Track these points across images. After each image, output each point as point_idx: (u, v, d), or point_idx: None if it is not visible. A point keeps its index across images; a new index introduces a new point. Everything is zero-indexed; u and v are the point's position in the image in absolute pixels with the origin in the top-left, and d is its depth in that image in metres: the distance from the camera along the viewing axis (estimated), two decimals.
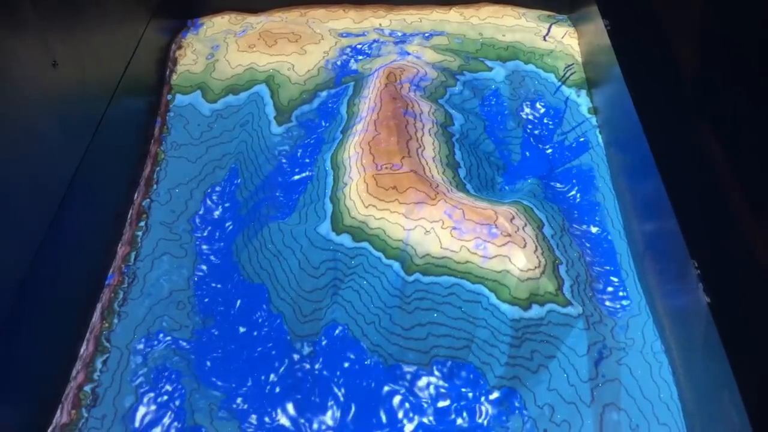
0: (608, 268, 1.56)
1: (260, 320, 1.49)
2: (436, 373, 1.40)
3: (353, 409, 1.35)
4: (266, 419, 1.35)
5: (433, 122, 1.76)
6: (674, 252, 1.30)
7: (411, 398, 1.37)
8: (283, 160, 1.82)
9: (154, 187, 1.76)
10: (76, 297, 1.46)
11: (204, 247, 1.65)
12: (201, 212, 1.72)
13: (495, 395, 1.36)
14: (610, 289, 1.52)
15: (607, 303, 1.49)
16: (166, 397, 1.36)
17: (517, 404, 1.35)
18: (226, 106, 1.96)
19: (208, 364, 1.42)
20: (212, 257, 1.63)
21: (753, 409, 1.02)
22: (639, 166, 1.54)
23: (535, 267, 1.42)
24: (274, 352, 1.44)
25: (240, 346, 1.46)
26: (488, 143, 1.86)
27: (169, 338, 1.46)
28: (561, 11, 2.25)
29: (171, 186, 1.77)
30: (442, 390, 1.38)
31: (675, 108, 1.57)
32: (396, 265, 1.46)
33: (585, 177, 1.77)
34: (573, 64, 2.05)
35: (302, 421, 1.35)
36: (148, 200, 1.73)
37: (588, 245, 1.60)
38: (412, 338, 1.42)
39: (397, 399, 1.37)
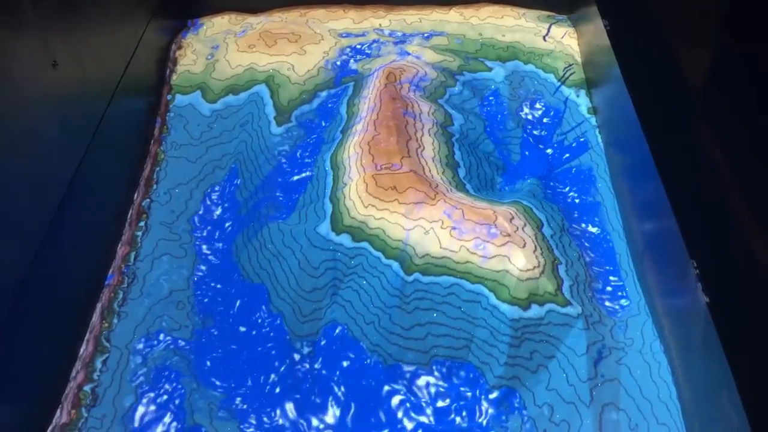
0: (607, 268, 1.56)
1: (260, 320, 1.49)
2: (436, 372, 1.40)
3: (353, 408, 1.36)
4: (266, 419, 1.35)
5: (432, 122, 1.76)
6: (673, 252, 1.30)
7: (410, 398, 1.37)
8: (283, 160, 1.82)
9: (154, 187, 1.77)
10: (75, 297, 1.46)
11: (204, 247, 1.65)
12: (201, 212, 1.73)
13: (494, 395, 1.36)
14: (609, 288, 1.52)
15: (607, 303, 1.49)
16: (165, 397, 1.36)
17: (516, 404, 1.35)
18: (226, 106, 1.96)
19: (208, 363, 1.42)
20: (212, 257, 1.63)
21: (752, 408, 1.02)
22: (638, 166, 1.54)
23: (535, 267, 1.43)
24: (273, 352, 1.44)
25: (240, 346, 1.46)
26: (488, 143, 1.86)
27: (168, 338, 1.46)
28: (561, 11, 2.25)
29: (171, 186, 1.77)
30: (442, 390, 1.38)
31: (674, 108, 1.57)
32: (395, 265, 1.46)
33: (584, 177, 1.77)
34: (572, 64, 2.05)
35: (302, 420, 1.35)
36: (147, 200, 1.73)
37: (587, 245, 1.60)
38: (412, 338, 1.42)
39: (396, 399, 1.37)
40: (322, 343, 1.44)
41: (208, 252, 1.64)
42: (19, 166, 1.27)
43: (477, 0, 2.28)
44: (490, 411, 1.35)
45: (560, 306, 1.41)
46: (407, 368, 1.40)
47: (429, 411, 1.36)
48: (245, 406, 1.36)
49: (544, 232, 1.52)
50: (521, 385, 1.37)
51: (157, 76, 2.01)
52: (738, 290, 1.20)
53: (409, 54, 2.05)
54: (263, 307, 1.51)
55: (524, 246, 1.45)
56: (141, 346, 1.44)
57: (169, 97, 1.99)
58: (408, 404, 1.37)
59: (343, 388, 1.38)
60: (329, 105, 1.93)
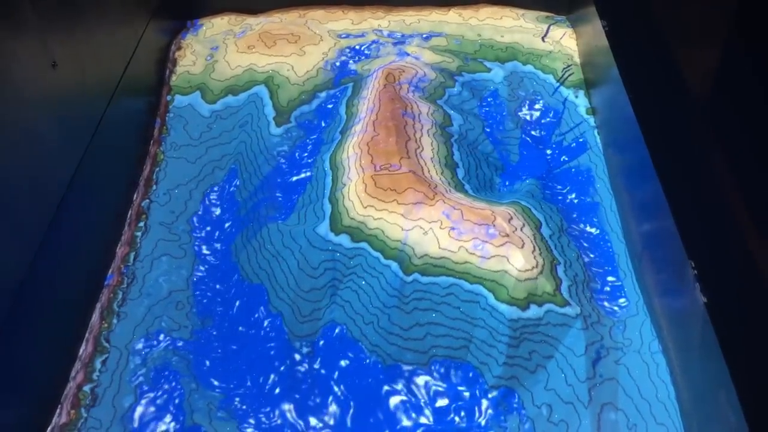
0: (606, 268, 1.56)
1: (259, 320, 1.50)
2: (435, 372, 1.40)
3: (352, 408, 1.36)
4: (265, 419, 1.35)
5: (431, 123, 1.77)
6: (672, 252, 1.30)
7: (409, 398, 1.37)
8: (282, 161, 1.82)
9: (154, 187, 1.77)
10: (75, 297, 1.46)
11: (203, 247, 1.65)
12: (200, 213, 1.73)
13: (493, 395, 1.36)
14: (607, 289, 1.52)
15: (605, 303, 1.49)
16: (165, 397, 1.36)
17: (515, 404, 1.36)
18: (226, 107, 1.97)
19: (207, 364, 1.43)
20: (211, 258, 1.63)
21: (749, 408, 1.02)
22: (637, 166, 1.54)
23: (533, 267, 1.43)
24: (272, 352, 1.44)
25: (239, 346, 1.46)
26: (487, 144, 1.86)
27: (168, 338, 1.46)
28: (559, 12, 2.26)
29: (170, 187, 1.77)
30: (441, 390, 1.38)
31: (673, 109, 1.58)
32: (394, 265, 1.47)
33: (583, 177, 1.78)
34: (571, 65, 2.05)
35: (301, 421, 1.35)
36: (147, 201, 1.73)
37: (586, 245, 1.61)
38: (411, 338, 1.42)
39: (395, 399, 1.37)
40: (321, 343, 1.44)
41: (208, 252, 1.64)
42: (18, 167, 1.27)
43: (476, 1, 2.28)
44: (489, 411, 1.35)
45: (559, 306, 1.41)
46: (406, 368, 1.40)
47: (428, 411, 1.36)
48: (244, 407, 1.37)
49: (543, 233, 1.53)
50: (520, 385, 1.37)
51: (156, 77, 2.01)
52: (736, 290, 1.21)
53: (408, 55, 2.05)
54: (262, 307, 1.51)
55: (523, 246, 1.45)
56: (140, 346, 1.44)
57: (168, 97, 1.99)
58: (407, 404, 1.37)
59: (342, 388, 1.38)
60: (328, 106, 1.94)
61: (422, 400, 1.37)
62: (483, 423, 1.34)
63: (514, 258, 1.43)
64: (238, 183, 1.79)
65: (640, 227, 1.53)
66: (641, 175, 1.49)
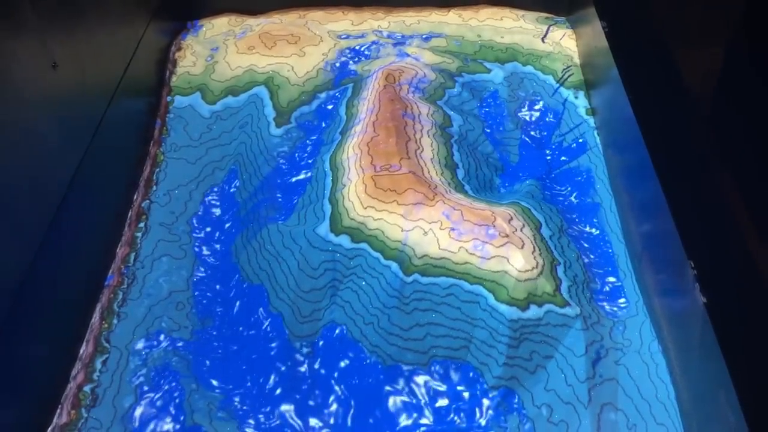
0: (606, 268, 1.57)
1: (259, 321, 1.50)
2: (435, 373, 1.40)
3: (352, 408, 1.36)
4: (265, 419, 1.35)
5: (431, 124, 1.77)
6: (671, 253, 1.30)
7: (410, 398, 1.37)
8: (282, 162, 1.82)
9: (154, 188, 1.77)
10: (75, 298, 1.46)
11: (203, 248, 1.66)
12: (200, 213, 1.73)
13: (493, 395, 1.36)
14: (607, 289, 1.52)
15: (605, 303, 1.49)
16: (165, 398, 1.37)
17: (515, 404, 1.36)
18: (226, 108, 1.97)
19: (207, 364, 1.43)
20: (211, 258, 1.63)
21: (749, 408, 1.02)
22: (636, 167, 1.54)
23: (533, 268, 1.43)
24: (273, 353, 1.44)
25: (239, 346, 1.46)
26: (487, 144, 1.87)
27: (168, 339, 1.46)
28: (559, 13, 2.26)
29: (170, 187, 1.77)
30: (441, 390, 1.38)
31: (672, 109, 1.58)
32: (394, 265, 1.47)
33: (583, 178, 1.78)
34: (571, 65, 2.05)
35: (301, 421, 1.35)
36: (147, 201, 1.73)
37: (586, 246, 1.61)
38: (411, 338, 1.43)
39: (395, 399, 1.37)
40: (322, 343, 1.44)
41: (208, 253, 1.65)
42: (18, 167, 1.27)
43: (476, 2, 2.28)
44: (489, 411, 1.35)
45: (559, 306, 1.41)
46: (406, 368, 1.41)
47: (428, 411, 1.36)
48: (245, 407, 1.37)
49: (543, 233, 1.53)
50: (520, 385, 1.37)
51: (156, 78, 2.01)
52: (735, 291, 1.21)
53: (408, 55, 2.05)
54: (262, 307, 1.51)
55: (523, 247, 1.45)
56: (141, 346, 1.45)
57: (168, 98, 1.99)
58: (407, 405, 1.37)
59: (342, 389, 1.38)
60: (328, 106, 1.94)
61: (422, 401, 1.37)
62: (483, 423, 1.34)
63: (514, 258, 1.43)
64: (238, 184, 1.79)
65: (639, 228, 1.54)
66: (641, 175, 1.49)
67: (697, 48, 1.78)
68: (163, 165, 1.83)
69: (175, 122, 1.93)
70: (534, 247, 1.46)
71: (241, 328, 1.49)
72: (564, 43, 2.13)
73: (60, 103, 1.45)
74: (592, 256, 1.59)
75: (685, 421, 1.27)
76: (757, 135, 1.50)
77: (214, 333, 1.49)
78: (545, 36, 2.16)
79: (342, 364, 1.41)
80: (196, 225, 1.70)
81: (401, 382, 1.39)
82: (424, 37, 2.17)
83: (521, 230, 1.49)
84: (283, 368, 1.42)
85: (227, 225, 1.70)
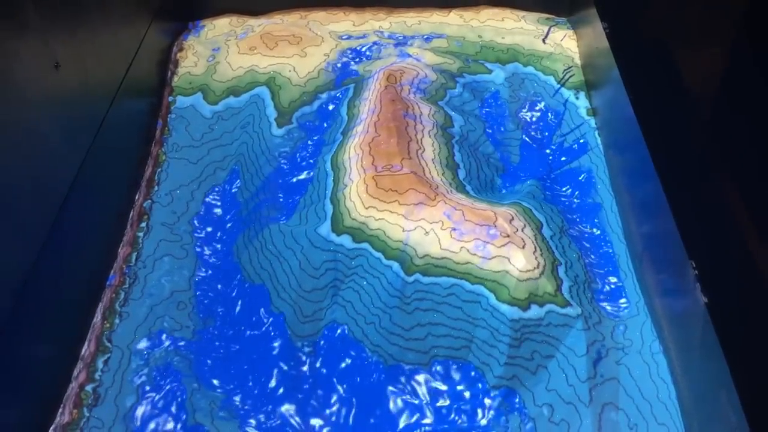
0: (607, 268, 1.57)
1: (261, 321, 1.50)
2: (436, 373, 1.40)
3: (353, 408, 1.36)
4: (267, 419, 1.35)
5: (432, 124, 1.77)
6: (672, 253, 1.31)
7: (411, 398, 1.38)
8: (284, 162, 1.82)
9: (156, 188, 1.77)
10: (77, 297, 1.46)
11: (205, 248, 1.66)
12: (202, 213, 1.73)
13: (494, 395, 1.37)
14: (608, 289, 1.52)
15: (606, 304, 1.49)
16: (167, 397, 1.37)
17: (516, 404, 1.36)
18: (227, 108, 1.97)
19: (209, 363, 1.43)
20: (213, 258, 1.64)
21: (750, 408, 1.03)
22: (637, 167, 1.54)
23: (534, 268, 1.43)
24: (274, 352, 1.44)
25: (241, 346, 1.46)
26: (488, 145, 1.87)
27: (170, 338, 1.46)
28: (560, 14, 2.26)
29: (172, 187, 1.78)
30: (442, 390, 1.38)
31: (673, 110, 1.58)
32: (396, 265, 1.47)
33: (584, 178, 1.78)
34: (572, 66, 2.06)
35: (302, 420, 1.35)
36: (149, 201, 1.74)
37: (587, 246, 1.61)
38: (412, 338, 1.43)
39: (397, 399, 1.38)
40: (323, 343, 1.44)
41: (209, 253, 1.65)
42: (21, 168, 1.28)
43: (477, 2, 2.29)
44: (490, 411, 1.35)
45: (560, 307, 1.41)
46: (408, 368, 1.41)
47: (429, 411, 1.36)
48: (246, 406, 1.37)
49: (544, 233, 1.53)
50: (521, 385, 1.38)
51: (158, 78, 2.01)
52: (737, 291, 1.21)
53: (409, 56, 2.06)
54: (264, 307, 1.52)
55: (524, 247, 1.45)
56: (142, 346, 1.45)
57: (170, 98, 2.00)
58: (408, 404, 1.37)
59: (343, 388, 1.39)
60: (330, 107, 1.94)
61: (424, 400, 1.37)
62: (484, 423, 1.34)
63: (516, 258, 1.43)
64: (239, 184, 1.79)
65: (640, 228, 1.54)
66: (642, 175, 1.49)
67: (697, 48, 1.78)
68: (165, 165, 1.83)
69: (177, 122, 1.94)
70: (535, 248, 1.46)
71: (242, 328, 1.49)
72: (565, 44, 2.14)
73: (62, 103, 1.45)
74: (593, 257, 1.59)
75: (686, 421, 1.27)
76: (758, 135, 1.50)
77: (216, 333, 1.49)
78: (546, 37, 2.16)
79: (343, 364, 1.41)
80: (197, 225, 1.71)
81: (402, 382, 1.39)
82: (425, 37, 2.18)
83: (522, 230, 1.49)
84: (284, 368, 1.42)
85: (229, 225, 1.71)
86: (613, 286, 1.53)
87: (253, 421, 1.35)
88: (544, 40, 2.15)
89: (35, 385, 1.30)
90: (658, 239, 1.44)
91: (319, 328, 1.47)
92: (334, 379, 1.40)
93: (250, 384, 1.40)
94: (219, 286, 1.57)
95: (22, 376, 1.26)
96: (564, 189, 1.77)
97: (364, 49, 2.10)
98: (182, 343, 1.46)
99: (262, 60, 2.04)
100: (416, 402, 1.37)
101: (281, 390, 1.39)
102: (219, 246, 1.66)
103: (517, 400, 1.36)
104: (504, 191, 1.77)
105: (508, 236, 1.46)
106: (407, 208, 1.52)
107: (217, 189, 1.79)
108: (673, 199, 1.34)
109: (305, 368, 1.42)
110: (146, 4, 1.99)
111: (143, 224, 1.69)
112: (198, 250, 1.65)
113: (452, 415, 1.35)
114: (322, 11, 2.28)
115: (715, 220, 1.32)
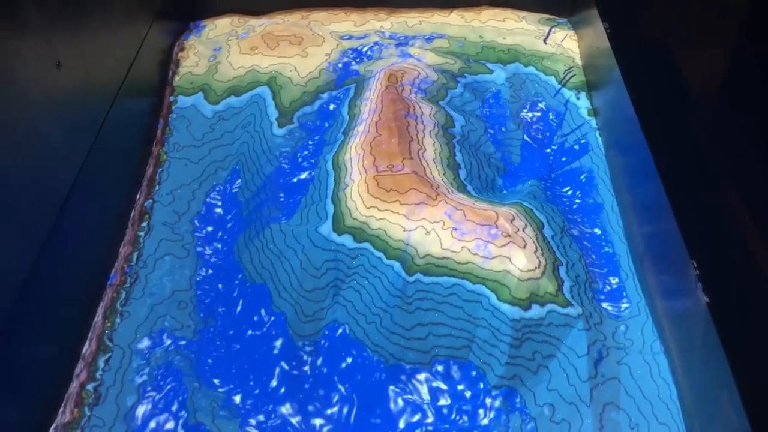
0: (608, 269, 1.57)
1: (262, 320, 1.50)
2: (437, 372, 1.40)
3: (354, 408, 1.36)
4: (267, 418, 1.35)
5: (434, 124, 1.77)
6: (674, 253, 1.31)
7: (412, 398, 1.38)
8: (285, 161, 1.82)
9: (157, 187, 1.77)
10: (78, 297, 1.47)
11: (206, 247, 1.66)
12: (203, 213, 1.73)
13: (495, 394, 1.36)
14: (609, 289, 1.52)
15: (607, 304, 1.49)
16: (168, 396, 1.37)
17: (517, 404, 1.36)
18: (228, 108, 1.97)
19: (210, 363, 1.43)
20: (214, 258, 1.64)
21: (752, 408, 1.03)
22: (638, 167, 1.54)
23: (536, 267, 1.43)
24: (275, 352, 1.44)
25: (242, 345, 1.46)
26: (489, 145, 1.87)
27: (171, 338, 1.46)
28: (561, 14, 2.26)
29: (173, 187, 1.78)
30: (443, 389, 1.38)
31: (674, 110, 1.58)
32: (397, 265, 1.47)
33: (585, 179, 1.78)
34: (573, 66, 2.06)
35: (303, 420, 1.35)
36: (150, 201, 1.74)
37: (588, 246, 1.61)
38: (413, 338, 1.43)
39: (397, 399, 1.38)
40: (324, 343, 1.44)
41: (210, 252, 1.65)
42: (22, 167, 1.28)
43: (478, 3, 2.29)
44: (491, 411, 1.35)
45: (561, 306, 1.41)
46: (408, 368, 1.41)
47: (430, 411, 1.36)
48: (247, 406, 1.37)
49: (545, 233, 1.53)
50: (522, 384, 1.38)
51: (159, 78, 2.02)
52: (738, 290, 1.21)
53: (410, 56, 2.06)
54: (265, 307, 1.52)
55: (525, 247, 1.45)
56: (143, 345, 1.45)
57: (171, 98, 2.00)
58: (409, 404, 1.37)
59: (344, 388, 1.38)
60: (331, 107, 1.94)
61: (424, 400, 1.37)
62: (485, 422, 1.34)
63: (517, 258, 1.43)
64: (240, 183, 1.79)
65: (641, 228, 1.54)
66: (643, 175, 1.49)
67: (698, 49, 1.78)
68: (166, 165, 1.83)
69: (178, 122, 1.94)
70: (536, 247, 1.46)
71: (243, 327, 1.49)
72: (566, 45, 2.14)
73: (63, 102, 1.45)
74: (594, 257, 1.59)
75: (687, 420, 1.27)
76: (759, 135, 1.50)
77: (217, 332, 1.49)
78: (547, 37, 2.16)
79: (344, 364, 1.41)
80: (198, 224, 1.71)
81: (403, 382, 1.39)
82: (426, 37, 2.18)
83: (523, 230, 1.49)
84: (285, 367, 1.42)
85: (230, 224, 1.71)
86: (614, 286, 1.53)
87: (253, 421, 1.35)
88: (545, 41, 2.15)
89: (36, 384, 1.30)
90: (659, 239, 1.44)
91: (320, 327, 1.47)
92: (335, 379, 1.40)
93: (251, 383, 1.40)
94: (220, 286, 1.57)
95: (22, 375, 1.26)
96: (565, 189, 1.77)
97: (365, 49, 2.10)
98: (183, 343, 1.46)
99: (264, 60, 2.04)
100: (417, 401, 1.37)
101: (282, 389, 1.39)
102: (220, 245, 1.66)
103: (518, 399, 1.36)
104: (505, 191, 1.77)
105: (509, 236, 1.46)
106: (408, 208, 1.52)
107: (218, 188, 1.79)
108: (674, 199, 1.34)
109: (306, 368, 1.42)
110: (148, 4, 1.99)
111: (144, 224, 1.69)
112: (199, 249, 1.65)
113: (453, 415, 1.35)
114: (323, 11, 2.28)
115: (716, 219, 1.32)
